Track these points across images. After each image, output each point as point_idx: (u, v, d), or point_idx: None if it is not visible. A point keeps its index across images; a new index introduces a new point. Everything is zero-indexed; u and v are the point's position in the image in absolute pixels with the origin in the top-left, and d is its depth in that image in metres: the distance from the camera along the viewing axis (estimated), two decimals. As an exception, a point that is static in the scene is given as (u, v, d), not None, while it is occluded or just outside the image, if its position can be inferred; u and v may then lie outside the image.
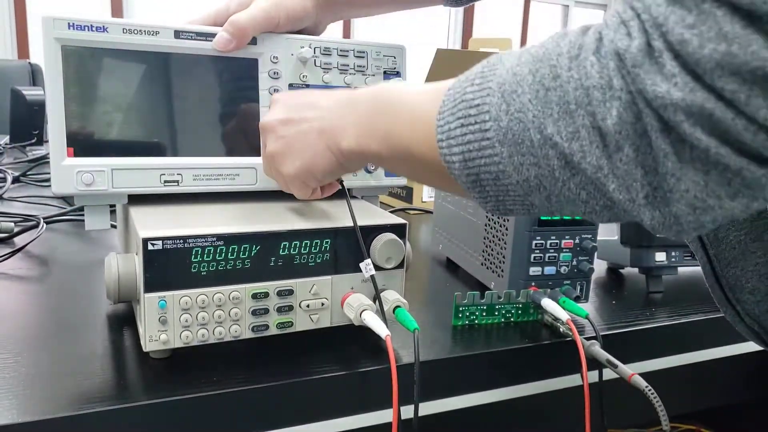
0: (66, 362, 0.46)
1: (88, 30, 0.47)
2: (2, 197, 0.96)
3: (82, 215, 0.56)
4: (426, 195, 1.01)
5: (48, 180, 1.09)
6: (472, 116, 0.35)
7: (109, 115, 0.49)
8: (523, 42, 4.58)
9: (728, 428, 1.00)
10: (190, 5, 3.32)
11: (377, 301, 0.49)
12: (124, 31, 0.48)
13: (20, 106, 1.47)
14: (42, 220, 0.74)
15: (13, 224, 0.76)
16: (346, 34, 3.82)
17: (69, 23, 0.46)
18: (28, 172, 1.13)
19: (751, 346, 0.65)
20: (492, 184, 0.36)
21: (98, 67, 0.48)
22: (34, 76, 2.83)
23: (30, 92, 1.50)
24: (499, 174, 0.35)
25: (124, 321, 0.53)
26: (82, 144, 0.49)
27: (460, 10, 4.29)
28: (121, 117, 0.50)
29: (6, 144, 1.44)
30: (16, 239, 0.74)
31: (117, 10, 3.20)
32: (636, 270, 0.70)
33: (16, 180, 1.08)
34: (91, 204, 0.51)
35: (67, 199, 0.91)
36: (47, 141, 1.52)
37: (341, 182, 0.50)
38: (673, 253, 0.67)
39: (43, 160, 1.23)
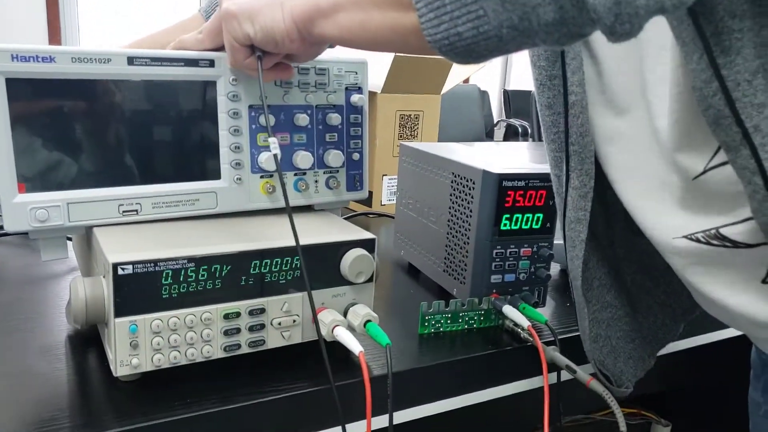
0: (28, 389, 0.45)
1: (34, 60, 0.44)
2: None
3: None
4: (385, 198, 1.03)
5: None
6: None
7: (60, 147, 0.47)
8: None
9: (663, 409, 1.09)
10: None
11: (345, 314, 0.50)
12: (73, 59, 0.45)
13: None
14: (-11, 235, 0.70)
15: (-45, 238, 0.72)
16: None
17: (13, 54, 0.43)
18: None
19: (685, 343, 0.70)
20: None
21: (46, 99, 0.46)
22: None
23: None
24: None
25: (87, 343, 0.52)
26: (33, 179, 0.46)
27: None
28: (73, 148, 0.48)
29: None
30: (-40, 254, 0.71)
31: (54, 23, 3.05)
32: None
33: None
34: (48, 237, 0.49)
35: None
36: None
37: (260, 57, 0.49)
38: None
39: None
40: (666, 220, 0.46)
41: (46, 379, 0.46)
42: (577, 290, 0.54)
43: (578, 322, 0.55)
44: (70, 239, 0.71)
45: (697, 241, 0.44)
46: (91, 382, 0.47)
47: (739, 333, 0.59)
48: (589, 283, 0.55)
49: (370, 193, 1.01)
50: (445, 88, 1.02)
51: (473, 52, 0.37)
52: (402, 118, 1.00)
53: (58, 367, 0.48)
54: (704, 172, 0.42)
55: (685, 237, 0.45)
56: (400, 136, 1.01)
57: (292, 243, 0.48)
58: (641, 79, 0.44)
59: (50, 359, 0.49)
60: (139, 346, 0.44)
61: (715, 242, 0.43)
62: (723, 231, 0.42)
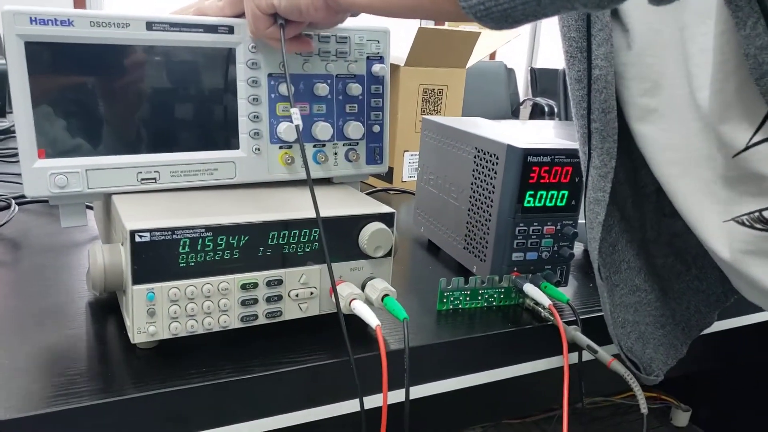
0: (49, 354, 0.45)
1: (53, 24, 0.44)
2: (-33, 175, 0.92)
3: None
4: (406, 175, 1.01)
5: (15, 155, 1.05)
6: None
7: (80, 113, 0.47)
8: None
9: (685, 394, 1.07)
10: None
11: (363, 288, 0.49)
12: (92, 24, 0.45)
13: (-21, 75, 1.40)
14: (14, 202, 0.71)
15: (-19, 205, 0.73)
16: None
17: (31, 17, 0.43)
18: (-7, 147, 1.09)
19: (711, 326, 0.68)
20: None
21: (66, 63, 0.45)
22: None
23: (-11, 61, 1.43)
24: None
25: (107, 309, 0.53)
26: (53, 145, 0.46)
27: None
28: (92, 114, 0.47)
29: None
30: (-14, 221, 0.72)
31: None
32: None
33: (-21, 155, 1.04)
34: (67, 203, 0.49)
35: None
36: (10, 112, 1.47)
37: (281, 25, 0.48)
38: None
39: (7, 134, 1.19)
40: (707, 202, 0.44)
41: (67, 344, 0.47)
42: (596, 273, 0.52)
43: (601, 305, 0.54)
44: (90, 207, 0.72)
45: (742, 224, 0.42)
46: (109, 348, 0.47)
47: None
48: (617, 266, 0.54)
49: (391, 169, 1.00)
50: (471, 62, 1.00)
51: (509, 17, 0.36)
52: (425, 92, 0.98)
53: (77, 332, 0.49)
54: (746, 148, 0.40)
55: (733, 220, 0.43)
56: (423, 111, 1.00)
57: (312, 215, 0.47)
58: (682, 51, 0.42)
59: (70, 325, 0.50)
60: (156, 313, 0.44)
61: (758, 226, 0.41)
62: (766, 214, 0.40)
